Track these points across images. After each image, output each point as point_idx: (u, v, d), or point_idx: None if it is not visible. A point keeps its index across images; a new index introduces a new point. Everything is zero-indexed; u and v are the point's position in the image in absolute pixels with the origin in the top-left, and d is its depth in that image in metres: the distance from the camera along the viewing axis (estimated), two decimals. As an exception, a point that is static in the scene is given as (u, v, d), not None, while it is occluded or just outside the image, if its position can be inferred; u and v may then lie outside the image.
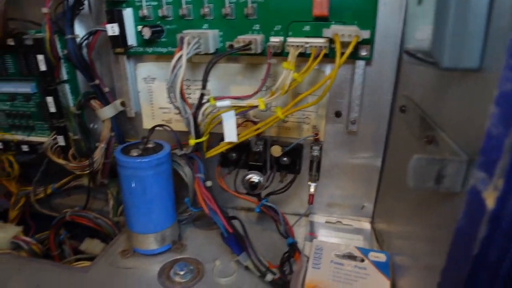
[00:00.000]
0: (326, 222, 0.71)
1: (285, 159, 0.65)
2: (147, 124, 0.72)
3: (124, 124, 0.73)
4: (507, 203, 0.23)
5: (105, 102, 0.68)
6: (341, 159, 0.66)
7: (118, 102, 0.69)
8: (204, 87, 0.52)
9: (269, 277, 0.52)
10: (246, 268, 0.57)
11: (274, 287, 0.53)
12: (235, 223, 0.57)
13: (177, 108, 0.53)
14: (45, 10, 0.60)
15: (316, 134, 0.62)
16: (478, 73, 0.30)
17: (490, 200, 0.23)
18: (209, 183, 0.58)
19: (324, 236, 0.67)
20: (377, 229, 0.67)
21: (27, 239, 0.69)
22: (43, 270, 0.61)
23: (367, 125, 0.62)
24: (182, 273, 0.57)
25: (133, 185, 0.57)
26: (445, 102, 0.38)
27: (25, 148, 0.73)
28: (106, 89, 0.68)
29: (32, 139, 0.75)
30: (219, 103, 0.53)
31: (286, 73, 0.51)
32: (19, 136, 0.76)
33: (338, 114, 0.63)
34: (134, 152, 0.57)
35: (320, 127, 0.64)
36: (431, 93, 0.43)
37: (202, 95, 0.53)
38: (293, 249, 0.56)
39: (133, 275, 0.59)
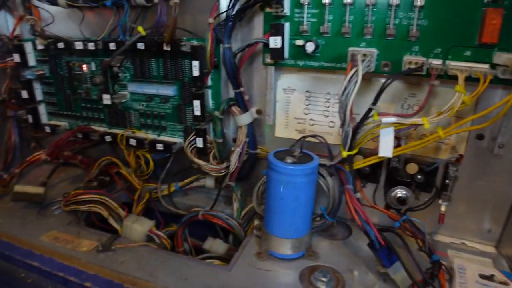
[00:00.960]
0: (451, 242, 0.71)
1: (419, 176, 0.66)
2: (280, 132, 0.75)
3: (255, 131, 0.77)
4: None
5: (244, 109, 0.72)
6: (477, 183, 0.67)
7: (254, 109, 0.73)
8: (374, 103, 0.54)
9: (424, 289, 0.53)
10: (385, 280, 0.58)
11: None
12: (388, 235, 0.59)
13: (342, 120, 0.56)
14: (210, 20, 0.64)
15: (460, 156, 0.63)
16: None
17: None
18: (358, 195, 0.60)
19: (453, 257, 0.68)
20: (505, 253, 0.68)
21: (160, 233, 0.73)
22: (184, 265, 0.64)
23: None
24: (325, 280, 0.59)
25: (283, 190, 0.60)
26: None
27: (159, 146, 0.77)
28: (246, 97, 0.72)
29: (163, 138, 0.80)
30: (385, 119, 0.55)
31: (458, 95, 0.53)
32: (150, 135, 0.80)
33: (480, 137, 0.64)
34: (289, 159, 0.60)
35: (460, 149, 0.65)
36: None
37: (369, 110, 0.55)
38: (438, 267, 0.57)
39: (274, 278, 0.61)
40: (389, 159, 0.68)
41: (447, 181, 0.66)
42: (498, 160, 0.65)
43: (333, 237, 0.72)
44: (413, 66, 0.55)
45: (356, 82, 0.53)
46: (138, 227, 0.72)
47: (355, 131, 0.57)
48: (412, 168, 0.66)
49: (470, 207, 0.70)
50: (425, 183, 0.67)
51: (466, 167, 0.67)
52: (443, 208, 0.67)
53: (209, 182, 0.80)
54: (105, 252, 0.66)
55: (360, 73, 0.53)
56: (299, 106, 0.72)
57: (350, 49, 0.59)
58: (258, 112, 0.74)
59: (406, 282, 0.56)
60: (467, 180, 0.68)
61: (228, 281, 0.60)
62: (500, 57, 0.53)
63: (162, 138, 0.80)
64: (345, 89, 0.54)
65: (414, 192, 0.66)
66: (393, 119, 0.55)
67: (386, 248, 0.56)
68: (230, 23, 0.65)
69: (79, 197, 0.75)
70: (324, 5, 0.61)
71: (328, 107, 0.70)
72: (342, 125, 0.57)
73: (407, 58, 0.57)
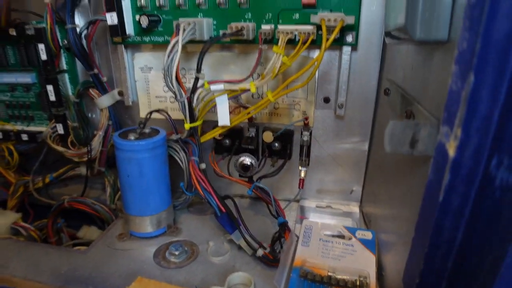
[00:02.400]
0: (317, 206, 0.73)
1: (276, 144, 0.67)
2: (144, 112, 0.74)
3: (121, 113, 0.76)
4: (465, 150, 0.25)
5: (103, 91, 0.71)
6: (330, 145, 0.69)
7: (115, 91, 0.72)
8: (198, 70, 0.54)
9: (259, 252, 0.54)
10: (239, 248, 0.59)
11: (265, 263, 0.55)
12: (228, 203, 0.59)
13: (172, 92, 0.56)
14: (46, 0, 0.62)
15: (306, 119, 0.65)
16: (447, 44, 0.33)
17: (451, 149, 0.26)
18: (203, 166, 0.60)
19: (315, 220, 0.70)
20: (365, 211, 0.70)
21: (26, 225, 0.71)
22: (42, 253, 0.63)
23: (354, 109, 0.65)
24: (177, 253, 0.59)
25: (127, 167, 0.60)
26: (421, 77, 0.41)
27: (24, 137, 0.75)
28: (104, 79, 0.71)
29: (31, 128, 0.78)
30: (213, 87, 0.55)
31: (276, 57, 0.54)
32: (18, 126, 0.78)
33: (326, 100, 0.66)
34: (132, 136, 0.60)
35: (310, 113, 0.67)
36: (410, 72, 0.46)
37: (197, 79, 0.55)
38: (283, 228, 0.59)
39: (129, 256, 0.61)
40: (247, 130, 0.69)
41: (302, 146, 0.67)
42: (342, 122, 0.67)
43: (204, 213, 0.72)
44: (233, 31, 0.56)
45: (177, 51, 0.53)
46: (0, 220, 0.69)
47: (190, 101, 0.57)
48: (267, 136, 0.67)
49: (330, 171, 0.72)
50: (282, 150, 0.68)
51: (319, 131, 0.69)
52: (302, 174, 0.69)
53: (84, 170, 0.79)
54: (-40, 248, 0.64)
55: (180, 43, 0.53)
56: (158, 84, 0.72)
57: (180, 19, 0.59)
58: (120, 93, 0.73)
59: (249, 248, 0.57)
60: (323, 145, 0.69)
61: (80, 263, 0.59)
62: (315, 17, 0.54)
63: (30, 128, 0.78)
64: (167, 57, 0.53)
65: (265, 159, 0.68)
66: (220, 86, 0.55)
67: (226, 216, 0.57)
68: (69, 3, 0.63)
69: None
70: (155, -23, 0.61)
71: (185, 82, 0.70)
72: (175, 96, 0.56)
73: (233, 24, 0.57)
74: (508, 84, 0.23)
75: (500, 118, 0.24)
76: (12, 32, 0.67)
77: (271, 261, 0.54)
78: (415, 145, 0.35)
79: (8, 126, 0.78)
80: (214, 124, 0.64)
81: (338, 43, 0.60)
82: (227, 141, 0.69)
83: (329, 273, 0.51)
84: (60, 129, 0.72)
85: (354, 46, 0.60)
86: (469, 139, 0.25)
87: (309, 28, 0.56)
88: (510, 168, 0.23)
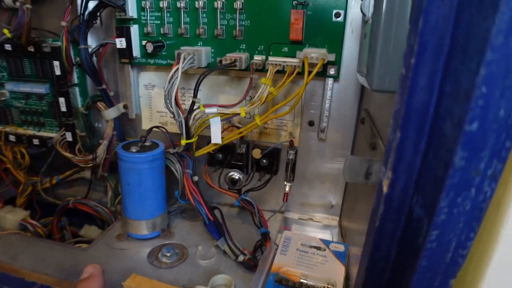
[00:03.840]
0: (299, 218, 0.80)
1: (264, 161, 0.74)
2: (146, 125, 0.82)
3: (125, 124, 0.83)
4: (395, 188, 0.32)
5: (110, 104, 0.78)
6: (313, 163, 0.76)
7: (121, 105, 0.79)
8: (195, 95, 0.62)
9: (240, 258, 0.61)
10: (224, 253, 0.66)
11: (246, 267, 0.62)
12: (216, 213, 0.66)
13: (171, 112, 0.63)
14: (63, 23, 0.70)
15: (292, 140, 0.72)
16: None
17: (385, 186, 0.33)
18: (195, 178, 0.67)
19: (297, 230, 0.77)
20: (343, 225, 0.77)
21: (34, 222, 0.78)
22: (48, 248, 0.70)
23: (336, 133, 0.72)
24: (168, 254, 0.66)
25: (128, 176, 0.67)
26: (384, 116, 0.48)
27: (36, 142, 0.82)
28: (111, 93, 0.78)
29: (42, 134, 0.85)
30: (208, 110, 0.62)
31: (264, 87, 0.61)
32: (30, 131, 0.85)
33: (311, 123, 0.73)
34: (133, 149, 0.67)
35: (295, 134, 0.74)
36: (377, 108, 0.53)
37: (193, 103, 0.62)
38: (265, 237, 0.66)
39: (126, 255, 0.68)
40: (239, 146, 0.76)
41: (288, 163, 0.74)
42: (325, 143, 0.74)
43: (195, 219, 0.79)
44: (227, 62, 0.63)
45: (177, 77, 0.60)
46: (10, 216, 0.77)
47: (187, 121, 0.64)
48: (256, 153, 0.74)
49: (312, 187, 0.79)
50: (269, 166, 0.75)
51: (303, 151, 0.76)
52: (287, 188, 0.76)
53: (88, 174, 0.86)
54: (-27, 240, 0.71)
55: (180, 71, 0.60)
56: (160, 100, 0.79)
57: (181, 48, 0.66)
58: (125, 107, 0.80)
59: (232, 253, 0.64)
60: (307, 163, 0.76)
61: (82, 259, 0.66)
62: (300, 54, 0.61)
63: (41, 133, 0.85)
64: (168, 83, 0.61)
65: (253, 174, 0.75)
66: (214, 110, 0.62)
67: (214, 224, 0.64)
68: (83, 26, 0.70)
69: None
70: (162, 8, 0.68)
71: (184, 101, 0.77)
72: (174, 116, 0.64)
73: (227, 56, 0.64)
74: (426, 139, 0.30)
75: (420, 166, 0.31)
76: (31, 48, 0.74)
77: (251, 266, 0.61)
78: (369, 177, 0.42)
79: (21, 131, 0.85)
80: (208, 140, 0.71)
81: (322, 75, 0.67)
82: (220, 155, 0.76)
83: (302, 279, 0.58)
84: (69, 136, 0.79)
85: (336, 78, 0.67)
86: (397, 179, 0.32)
87: (295, 61, 0.63)
88: (422, 206, 0.30)
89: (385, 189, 0.33)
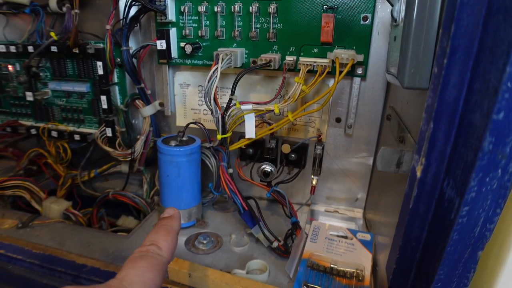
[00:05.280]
0: (325, 211, 0.84)
1: (293, 155, 0.79)
2: (180, 122, 0.87)
3: (161, 121, 0.88)
4: (427, 173, 0.37)
5: (147, 102, 0.83)
6: (340, 158, 0.80)
7: (157, 102, 0.84)
8: (233, 93, 0.66)
9: (275, 244, 0.66)
10: (257, 240, 0.70)
11: (279, 254, 0.67)
12: (250, 203, 0.71)
13: (210, 109, 0.68)
14: (108, 27, 0.75)
15: (319, 136, 0.76)
16: (427, 92, 0.44)
17: (419, 172, 0.37)
18: (230, 170, 0.72)
19: (323, 222, 0.81)
20: (367, 217, 0.81)
21: (76, 212, 0.84)
22: (92, 235, 0.75)
23: (362, 129, 0.77)
24: (205, 242, 0.71)
25: (167, 168, 0.72)
26: (412, 112, 0.52)
27: (77, 137, 0.88)
28: (149, 92, 0.83)
29: (82, 130, 0.91)
30: (243, 106, 0.67)
31: (297, 85, 0.65)
32: (70, 127, 0.91)
33: (338, 120, 0.77)
34: (172, 143, 0.72)
35: (323, 130, 0.78)
36: (405, 105, 0.57)
37: (230, 100, 0.67)
38: (295, 226, 0.70)
39: (165, 242, 0.73)
40: (269, 141, 0.81)
41: (315, 158, 0.79)
42: (351, 139, 0.78)
43: (226, 210, 0.84)
44: (263, 62, 0.67)
45: (216, 77, 0.65)
46: (55, 206, 0.82)
47: (223, 117, 0.69)
48: (285, 148, 0.78)
49: (339, 180, 0.83)
50: (297, 161, 0.79)
51: (330, 146, 0.80)
52: (314, 181, 0.80)
53: (124, 168, 0.92)
54: (24, 228, 0.77)
55: (219, 71, 0.65)
56: (194, 98, 0.84)
57: (219, 49, 0.71)
58: (161, 104, 0.85)
59: (266, 240, 0.68)
60: (333, 157, 0.81)
61: (124, 245, 0.71)
62: (331, 54, 0.66)
63: (81, 130, 0.91)
64: (208, 82, 0.65)
65: (282, 167, 0.79)
66: (249, 106, 0.67)
67: (249, 213, 0.69)
68: (126, 29, 0.76)
69: (4, 184, 0.85)
70: (200, 13, 0.73)
71: (219, 98, 0.82)
72: (212, 113, 0.68)
73: (263, 56, 0.69)
74: (456, 130, 0.34)
75: (451, 153, 0.35)
76: (76, 50, 0.80)
77: (283, 252, 0.66)
78: (400, 166, 0.46)
79: (62, 127, 0.91)
80: (240, 135, 0.76)
81: (350, 74, 0.71)
82: (251, 150, 0.81)
83: (332, 265, 0.62)
84: (109, 132, 0.84)
85: (363, 78, 0.72)
86: (430, 165, 0.36)
87: (325, 61, 0.67)
88: (453, 187, 0.34)
89: (418, 174, 0.37)
